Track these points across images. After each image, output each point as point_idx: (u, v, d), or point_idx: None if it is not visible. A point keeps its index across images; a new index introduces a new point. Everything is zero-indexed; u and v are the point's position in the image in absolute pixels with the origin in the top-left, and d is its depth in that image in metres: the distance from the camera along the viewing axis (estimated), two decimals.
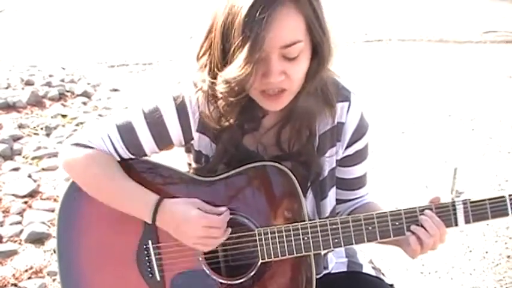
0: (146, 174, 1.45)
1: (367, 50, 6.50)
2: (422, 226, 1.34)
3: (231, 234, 1.39)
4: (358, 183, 1.54)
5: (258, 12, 1.15)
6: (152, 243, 1.43)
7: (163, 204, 1.38)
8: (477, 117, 4.59)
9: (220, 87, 1.23)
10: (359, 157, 1.50)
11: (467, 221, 1.35)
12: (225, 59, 1.23)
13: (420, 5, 8.55)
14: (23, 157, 3.62)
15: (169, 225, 1.38)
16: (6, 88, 4.64)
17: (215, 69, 1.26)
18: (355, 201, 1.56)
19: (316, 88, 1.33)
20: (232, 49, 1.20)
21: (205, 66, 1.30)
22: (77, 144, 1.43)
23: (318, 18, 1.23)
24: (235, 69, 1.18)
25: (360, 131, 1.45)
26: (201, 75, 1.32)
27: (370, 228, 1.36)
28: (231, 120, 1.32)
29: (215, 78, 1.26)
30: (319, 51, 1.26)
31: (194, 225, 1.34)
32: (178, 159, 1.56)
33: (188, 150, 1.50)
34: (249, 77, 1.18)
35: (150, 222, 1.38)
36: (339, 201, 1.55)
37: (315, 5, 1.23)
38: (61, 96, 4.66)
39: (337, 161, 1.47)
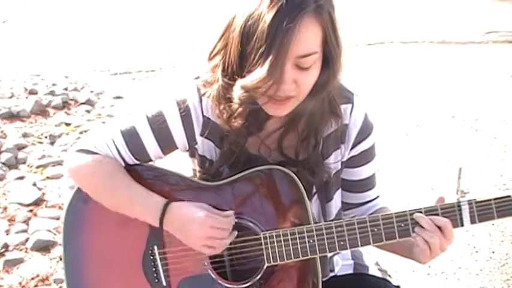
0: (152, 180, 1.45)
1: (370, 53, 6.49)
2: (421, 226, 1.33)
3: (236, 238, 1.39)
4: (366, 184, 1.53)
5: (285, 23, 1.15)
6: (158, 249, 1.43)
7: (171, 207, 1.38)
8: (481, 117, 4.58)
9: (238, 93, 1.23)
10: (365, 158, 1.49)
11: (473, 221, 1.34)
12: (242, 62, 1.22)
13: (421, 7, 8.54)
14: (28, 166, 3.63)
15: (176, 226, 1.38)
16: (10, 98, 4.65)
17: (229, 70, 1.26)
18: (367, 206, 1.55)
19: (324, 99, 1.34)
20: (252, 54, 1.19)
21: (218, 66, 1.29)
22: (82, 151, 1.44)
23: (335, 31, 1.24)
24: (256, 78, 1.18)
25: (365, 132, 1.46)
26: (212, 76, 1.32)
27: (375, 229, 1.35)
28: (240, 121, 1.31)
29: (230, 79, 1.26)
30: (330, 64, 1.26)
31: (201, 225, 1.34)
32: (183, 164, 1.56)
33: (192, 155, 1.50)
34: (269, 87, 1.18)
35: (157, 224, 1.38)
36: (351, 206, 1.55)
37: (334, 17, 1.23)
38: (64, 105, 4.67)
39: (342, 163, 1.47)
